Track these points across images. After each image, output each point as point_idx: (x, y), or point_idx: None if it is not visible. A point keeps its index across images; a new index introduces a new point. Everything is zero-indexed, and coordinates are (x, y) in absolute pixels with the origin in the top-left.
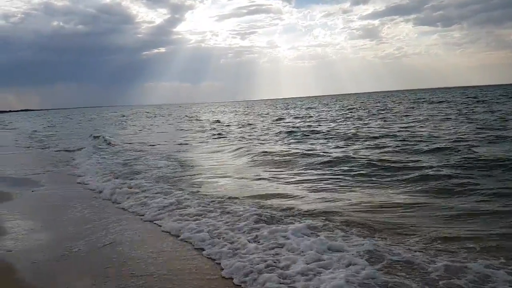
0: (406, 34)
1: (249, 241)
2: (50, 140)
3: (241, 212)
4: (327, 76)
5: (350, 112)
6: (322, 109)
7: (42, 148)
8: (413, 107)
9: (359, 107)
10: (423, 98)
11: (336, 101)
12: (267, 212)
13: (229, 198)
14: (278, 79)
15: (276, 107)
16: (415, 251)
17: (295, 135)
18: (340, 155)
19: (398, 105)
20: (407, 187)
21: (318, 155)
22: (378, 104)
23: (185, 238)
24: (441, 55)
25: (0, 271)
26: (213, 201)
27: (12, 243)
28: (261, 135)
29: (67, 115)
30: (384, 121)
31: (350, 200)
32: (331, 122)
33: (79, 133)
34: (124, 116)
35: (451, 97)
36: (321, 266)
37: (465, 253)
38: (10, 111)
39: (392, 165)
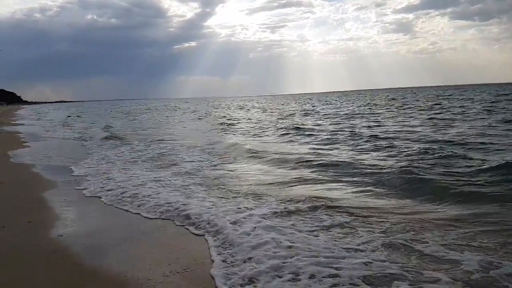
0: (441, 28)
1: None
2: (82, 130)
3: None
4: (359, 71)
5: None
6: (342, 104)
7: (77, 139)
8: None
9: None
10: (446, 95)
11: (364, 96)
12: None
13: None
14: (308, 74)
15: (299, 102)
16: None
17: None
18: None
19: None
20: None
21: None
22: (404, 100)
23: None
24: (478, 51)
25: (56, 255)
26: None
27: (62, 228)
28: (261, 131)
29: (96, 107)
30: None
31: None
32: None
33: (101, 125)
34: (148, 109)
35: (484, 95)
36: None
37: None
38: (46, 102)
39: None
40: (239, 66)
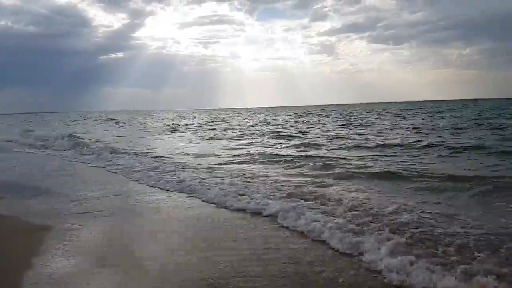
0: (360, 51)
1: None
2: None
3: None
4: (289, 88)
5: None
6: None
7: None
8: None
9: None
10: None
11: (270, 113)
12: None
13: None
14: (241, 89)
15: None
16: None
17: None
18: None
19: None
20: None
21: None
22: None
23: None
24: (392, 72)
25: None
26: None
27: None
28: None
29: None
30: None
31: None
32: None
33: None
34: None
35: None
36: None
37: None
38: None
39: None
40: (172, 79)
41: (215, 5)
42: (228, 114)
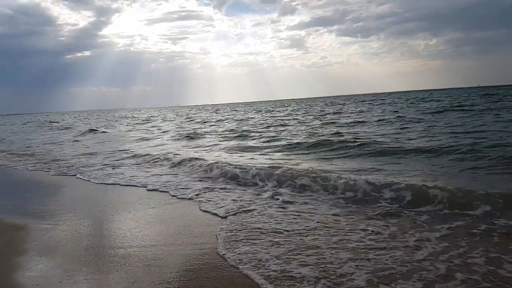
0: (329, 44)
1: None
2: None
3: None
4: (260, 83)
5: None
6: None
7: None
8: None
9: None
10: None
11: (240, 108)
12: None
13: None
14: (213, 85)
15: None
16: None
17: None
18: None
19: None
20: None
21: None
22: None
23: None
24: (361, 64)
25: None
26: None
27: None
28: None
29: None
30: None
31: None
32: None
33: None
34: None
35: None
36: None
37: None
38: None
39: None
40: (141, 76)
41: (183, 0)
42: (191, 110)
